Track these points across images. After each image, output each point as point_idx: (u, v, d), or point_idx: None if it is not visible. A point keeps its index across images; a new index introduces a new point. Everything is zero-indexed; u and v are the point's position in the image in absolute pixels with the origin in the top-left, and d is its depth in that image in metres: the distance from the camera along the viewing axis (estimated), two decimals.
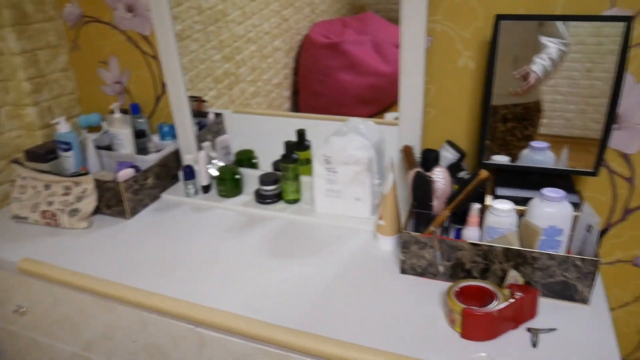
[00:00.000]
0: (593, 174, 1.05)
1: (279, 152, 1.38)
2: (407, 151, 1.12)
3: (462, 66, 1.17)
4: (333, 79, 1.35)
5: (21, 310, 1.24)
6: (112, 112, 1.39)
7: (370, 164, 1.18)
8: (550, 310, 0.92)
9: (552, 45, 1.01)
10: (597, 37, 1.00)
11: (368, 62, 1.31)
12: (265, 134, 1.45)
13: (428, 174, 1.02)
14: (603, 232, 0.89)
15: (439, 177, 1.02)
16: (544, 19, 1.01)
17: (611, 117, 1.02)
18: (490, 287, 0.90)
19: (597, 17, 0.99)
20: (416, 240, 0.99)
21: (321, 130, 1.32)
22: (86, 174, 1.26)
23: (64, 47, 1.58)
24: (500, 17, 1.01)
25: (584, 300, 0.92)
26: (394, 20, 1.18)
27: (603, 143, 1.03)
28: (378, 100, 1.33)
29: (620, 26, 0.96)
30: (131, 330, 1.10)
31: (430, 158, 1.06)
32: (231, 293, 1.01)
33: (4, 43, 1.42)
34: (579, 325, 0.88)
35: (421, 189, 1.02)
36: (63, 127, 1.34)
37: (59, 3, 1.52)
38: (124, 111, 1.44)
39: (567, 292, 0.93)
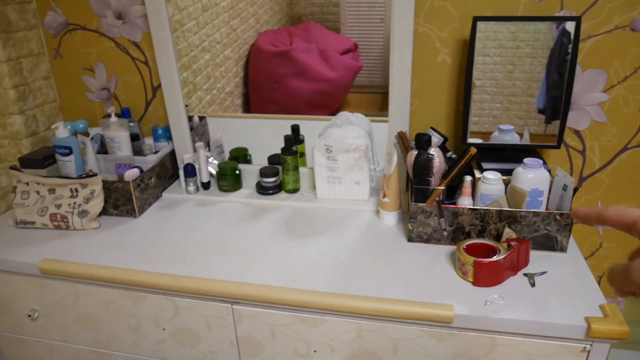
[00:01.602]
0: (556, 147, 1.26)
1: (263, 148, 1.49)
2: (402, 136, 1.28)
3: (440, 62, 1.35)
4: (284, 85, 1.45)
5: (35, 314, 1.24)
6: (108, 115, 1.42)
7: (367, 150, 1.32)
8: (537, 259, 1.10)
9: None
10: (514, 42, 1.20)
11: (316, 69, 1.43)
12: (244, 134, 1.54)
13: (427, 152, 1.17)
14: (575, 191, 1.08)
15: (436, 155, 1.18)
16: (511, 20, 1.20)
17: (568, 100, 1.23)
18: (491, 243, 1.07)
19: (553, 18, 1.19)
20: (422, 210, 1.14)
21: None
22: (95, 175, 1.29)
23: (45, 56, 1.58)
24: (477, 19, 1.20)
25: (562, 249, 1.12)
26: (332, 29, 1.34)
27: (563, 122, 1.24)
28: (326, 105, 1.46)
29: (529, 30, 1.18)
30: (161, 318, 1.15)
31: (423, 140, 1.21)
32: (260, 270, 1.10)
33: None
34: (563, 268, 1.07)
35: (422, 167, 1.17)
36: (62, 132, 1.36)
37: (41, 11, 1.53)
38: (117, 115, 1.48)
39: (549, 243, 1.12)
